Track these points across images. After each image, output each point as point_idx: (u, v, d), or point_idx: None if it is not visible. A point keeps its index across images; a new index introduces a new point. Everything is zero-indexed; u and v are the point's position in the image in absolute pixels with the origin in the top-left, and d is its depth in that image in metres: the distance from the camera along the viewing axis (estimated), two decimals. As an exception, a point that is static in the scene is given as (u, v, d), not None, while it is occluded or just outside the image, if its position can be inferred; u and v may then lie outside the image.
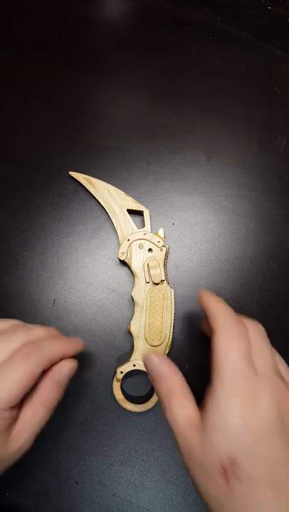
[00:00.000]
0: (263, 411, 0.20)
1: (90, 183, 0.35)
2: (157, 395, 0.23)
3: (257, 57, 0.42)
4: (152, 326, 0.31)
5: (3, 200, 0.36)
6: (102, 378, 0.32)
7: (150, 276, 0.31)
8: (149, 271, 0.31)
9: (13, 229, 0.35)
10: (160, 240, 0.32)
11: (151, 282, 0.31)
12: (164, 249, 0.32)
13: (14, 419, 0.22)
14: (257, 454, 0.19)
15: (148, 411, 0.31)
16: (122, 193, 0.34)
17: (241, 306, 0.34)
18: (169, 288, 0.32)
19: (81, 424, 0.31)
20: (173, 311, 0.31)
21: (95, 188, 0.34)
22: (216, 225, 0.36)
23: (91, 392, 0.32)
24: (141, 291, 0.32)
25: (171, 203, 0.36)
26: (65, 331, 0.33)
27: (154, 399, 0.31)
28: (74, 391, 0.32)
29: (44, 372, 0.24)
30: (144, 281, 0.32)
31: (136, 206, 0.34)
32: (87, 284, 0.34)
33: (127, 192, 0.35)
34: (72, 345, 0.26)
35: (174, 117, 0.39)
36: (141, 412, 0.31)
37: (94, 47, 0.41)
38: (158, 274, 0.31)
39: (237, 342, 0.21)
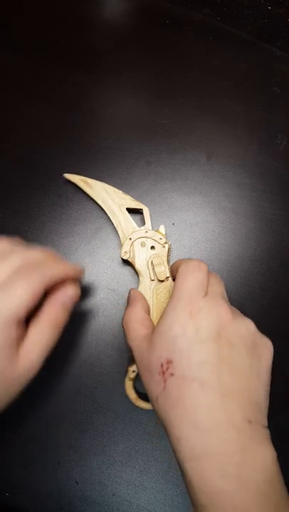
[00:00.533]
0: (201, 322, 0.23)
1: (87, 184, 0.34)
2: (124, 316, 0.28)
3: (257, 57, 0.42)
4: None
5: (3, 200, 0.36)
6: (102, 378, 0.32)
7: (155, 273, 0.31)
8: (153, 268, 0.31)
9: (13, 229, 0.35)
10: (162, 237, 0.32)
11: (156, 280, 0.31)
12: (167, 245, 0.32)
13: (21, 338, 0.22)
14: (189, 356, 0.22)
15: (150, 410, 0.31)
16: (120, 192, 0.34)
17: (241, 306, 0.34)
18: (174, 284, 0.31)
19: (81, 424, 0.31)
20: None
21: (92, 189, 0.34)
22: (216, 225, 0.36)
23: (91, 392, 0.32)
24: (146, 289, 0.31)
25: (171, 203, 0.36)
26: (64, 331, 0.33)
27: None
28: (74, 391, 0.32)
29: (48, 295, 0.24)
30: (148, 280, 0.32)
31: (135, 204, 0.34)
32: (87, 284, 0.34)
33: (127, 192, 0.35)
34: (73, 268, 0.26)
35: (174, 117, 0.39)
36: (147, 411, 0.31)
37: (94, 47, 0.41)
38: (163, 271, 0.31)
39: (195, 273, 0.25)
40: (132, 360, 0.32)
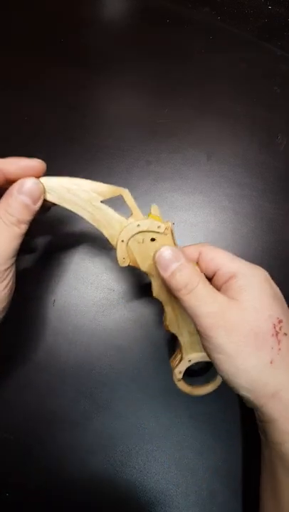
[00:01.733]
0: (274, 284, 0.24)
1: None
2: (175, 285, 0.23)
3: (257, 57, 0.42)
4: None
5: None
6: (101, 378, 0.32)
7: None
8: None
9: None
10: (160, 224, 0.25)
11: None
12: (168, 231, 0.25)
13: None
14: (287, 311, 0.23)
15: (150, 411, 0.31)
16: (85, 182, 0.25)
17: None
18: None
19: (81, 424, 0.31)
20: None
21: (49, 193, 0.24)
22: (216, 225, 0.36)
23: (91, 392, 0.32)
24: (162, 287, 0.27)
25: (171, 202, 0.36)
26: (65, 331, 0.33)
27: (219, 377, 0.29)
28: (74, 391, 0.32)
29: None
30: (160, 278, 0.26)
31: (110, 192, 0.25)
32: (87, 284, 0.34)
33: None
34: (27, 161, 0.23)
35: (174, 117, 0.39)
36: (148, 411, 0.31)
37: (94, 46, 0.41)
38: None
39: (224, 251, 0.25)
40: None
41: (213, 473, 0.31)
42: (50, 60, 0.40)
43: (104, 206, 0.25)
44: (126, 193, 0.25)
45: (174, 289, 0.23)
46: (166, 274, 0.23)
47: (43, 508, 0.30)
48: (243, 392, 0.22)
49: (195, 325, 0.23)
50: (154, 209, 0.26)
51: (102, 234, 0.25)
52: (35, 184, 0.22)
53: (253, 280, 0.23)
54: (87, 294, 0.34)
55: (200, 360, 0.29)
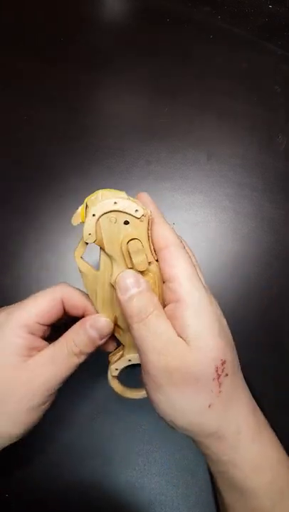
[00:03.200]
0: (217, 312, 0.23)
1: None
2: (129, 311, 0.22)
3: (257, 56, 0.42)
4: None
5: (3, 200, 0.36)
6: (101, 379, 0.32)
7: (132, 264, 0.23)
8: (130, 255, 0.23)
9: (14, 229, 0.35)
10: (138, 208, 0.22)
11: (135, 268, 0.23)
12: (145, 218, 0.23)
13: (34, 349, 0.23)
14: (234, 347, 0.22)
15: (150, 411, 0.31)
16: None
17: (242, 307, 0.34)
18: (158, 268, 0.24)
19: (81, 424, 0.31)
20: None
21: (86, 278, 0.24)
22: (216, 225, 0.36)
23: (91, 392, 0.32)
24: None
25: (172, 202, 0.36)
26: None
27: None
28: (74, 392, 0.32)
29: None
30: (125, 267, 0.23)
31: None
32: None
33: (127, 191, 0.35)
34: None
35: (174, 116, 0.39)
36: (147, 413, 0.31)
37: (94, 46, 0.41)
38: (142, 260, 0.23)
39: (187, 263, 0.23)
40: (110, 352, 0.28)
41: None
42: (50, 59, 0.40)
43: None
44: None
45: (128, 315, 0.22)
46: (123, 297, 0.22)
47: (43, 508, 0.30)
48: (181, 431, 0.22)
49: (140, 357, 0.22)
50: (142, 196, 0.25)
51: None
52: (107, 323, 0.24)
53: (201, 312, 0.21)
54: (87, 294, 0.34)
55: (139, 362, 0.26)
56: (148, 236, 0.23)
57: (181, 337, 0.21)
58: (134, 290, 0.22)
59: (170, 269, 0.22)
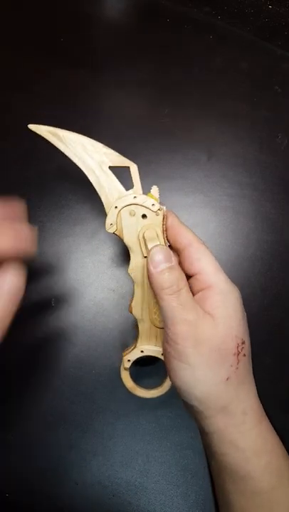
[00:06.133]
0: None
1: (58, 137, 0.27)
2: (161, 283, 0.23)
3: (258, 56, 0.42)
4: (157, 306, 0.27)
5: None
6: (102, 379, 0.32)
7: (148, 250, 0.25)
8: (146, 244, 0.26)
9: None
10: (154, 203, 0.26)
11: None
12: (161, 212, 0.26)
13: None
14: (249, 335, 0.24)
15: (150, 411, 0.31)
16: (100, 145, 0.27)
17: (242, 306, 0.34)
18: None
19: (81, 424, 0.31)
20: None
21: (64, 143, 0.27)
22: (216, 225, 0.36)
23: (91, 392, 0.32)
24: (139, 267, 0.26)
25: (172, 202, 0.36)
26: (64, 331, 0.33)
27: (166, 383, 0.28)
28: (74, 391, 0.32)
29: None
30: (141, 257, 0.26)
31: (120, 161, 0.27)
32: (87, 284, 0.34)
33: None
34: (19, 238, 0.22)
35: (174, 116, 0.39)
36: (148, 413, 0.31)
37: (94, 46, 0.41)
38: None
39: (211, 257, 0.25)
40: (125, 346, 0.30)
41: (214, 473, 0.30)
42: (51, 59, 0.40)
43: (110, 173, 0.27)
44: (134, 168, 0.27)
45: (159, 286, 0.23)
46: (155, 270, 0.23)
47: (43, 508, 0.30)
48: (194, 403, 0.23)
49: (166, 328, 0.23)
50: (154, 190, 0.27)
51: (100, 200, 0.27)
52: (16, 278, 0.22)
53: (229, 298, 0.24)
54: (87, 294, 0.34)
55: (152, 354, 0.28)
56: (163, 230, 0.26)
57: (212, 313, 0.23)
58: (166, 264, 0.23)
59: (197, 262, 0.25)
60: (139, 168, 0.37)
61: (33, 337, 0.33)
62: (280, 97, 0.40)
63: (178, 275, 0.23)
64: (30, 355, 0.32)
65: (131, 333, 0.33)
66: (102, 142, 0.38)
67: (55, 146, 0.27)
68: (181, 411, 0.32)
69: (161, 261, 0.23)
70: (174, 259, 0.24)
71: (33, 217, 0.35)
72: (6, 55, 0.40)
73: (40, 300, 0.33)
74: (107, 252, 0.35)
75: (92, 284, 0.34)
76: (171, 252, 0.24)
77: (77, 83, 0.39)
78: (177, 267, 0.24)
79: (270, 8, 0.44)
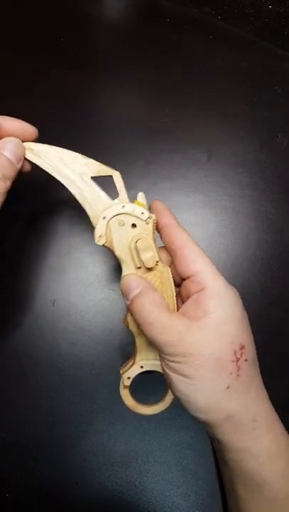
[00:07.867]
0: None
1: (31, 150, 0.26)
2: (138, 313, 0.23)
3: (258, 56, 0.42)
4: None
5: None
6: (102, 379, 0.32)
7: (141, 260, 0.25)
8: (138, 254, 0.25)
9: (13, 229, 0.35)
10: (144, 211, 0.25)
11: (143, 267, 0.25)
12: (151, 221, 0.25)
13: None
14: (252, 337, 0.23)
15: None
16: (79, 155, 0.26)
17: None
18: (165, 268, 0.25)
19: (81, 424, 0.31)
20: (174, 296, 0.26)
21: (39, 157, 0.26)
22: (216, 225, 0.36)
23: (91, 392, 0.32)
24: None
25: (172, 202, 0.36)
26: (65, 331, 0.33)
27: (168, 397, 0.28)
28: (74, 391, 0.32)
29: None
30: (134, 268, 0.25)
31: (101, 171, 0.26)
32: (87, 284, 0.34)
33: (127, 191, 0.35)
34: (21, 124, 0.25)
35: (174, 116, 0.39)
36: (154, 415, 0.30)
37: (94, 46, 0.41)
38: (151, 256, 0.24)
39: (206, 258, 0.25)
40: (121, 364, 0.29)
41: (213, 473, 0.30)
42: (51, 60, 0.40)
43: (93, 183, 0.26)
44: (116, 175, 0.26)
45: (136, 322, 0.24)
46: (128, 303, 0.24)
47: (43, 508, 0.30)
48: (197, 414, 0.22)
49: (156, 349, 0.23)
50: (141, 196, 0.26)
51: (85, 212, 0.26)
52: (16, 141, 0.25)
53: (226, 300, 0.23)
54: (87, 294, 0.34)
55: (152, 368, 0.27)
56: (153, 238, 0.25)
57: (202, 320, 0.22)
58: (135, 292, 0.23)
59: (193, 264, 0.24)
60: (139, 168, 0.37)
61: (33, 337, 0.33)
62: (280, 97, 0.41)
63: (148, 304, 0.23)
64: (30, 355, 0.32)
65: (131, 333, 0.33)
66: (102, 142, 0.38)
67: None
68: (181, 411, 0.31)
69: (129, 292, 0.24)
70: (143, 284, 0.24)
71: (33, 217, 0.35)
72: (6, 55, 0.40)
73: (41, 300, 0.33)
74: (107, 251, 0.35)
75: (92, 284, 0.34)
76: (141, 279, 0.24)
77: (77, 83, 0.39)
78: (146, 292, 0.23)
79: (270, 8, 0.45)
